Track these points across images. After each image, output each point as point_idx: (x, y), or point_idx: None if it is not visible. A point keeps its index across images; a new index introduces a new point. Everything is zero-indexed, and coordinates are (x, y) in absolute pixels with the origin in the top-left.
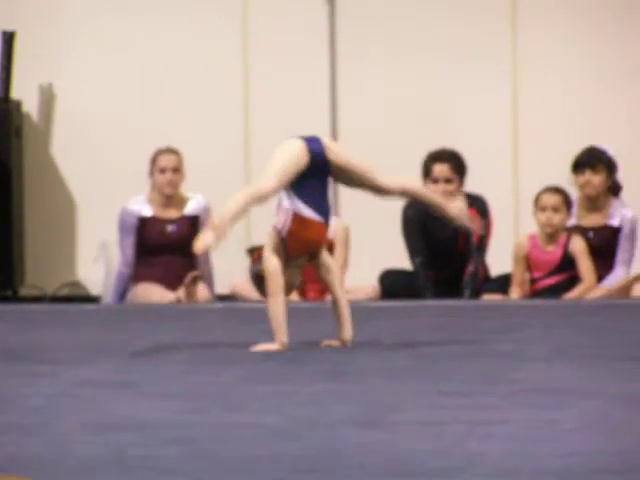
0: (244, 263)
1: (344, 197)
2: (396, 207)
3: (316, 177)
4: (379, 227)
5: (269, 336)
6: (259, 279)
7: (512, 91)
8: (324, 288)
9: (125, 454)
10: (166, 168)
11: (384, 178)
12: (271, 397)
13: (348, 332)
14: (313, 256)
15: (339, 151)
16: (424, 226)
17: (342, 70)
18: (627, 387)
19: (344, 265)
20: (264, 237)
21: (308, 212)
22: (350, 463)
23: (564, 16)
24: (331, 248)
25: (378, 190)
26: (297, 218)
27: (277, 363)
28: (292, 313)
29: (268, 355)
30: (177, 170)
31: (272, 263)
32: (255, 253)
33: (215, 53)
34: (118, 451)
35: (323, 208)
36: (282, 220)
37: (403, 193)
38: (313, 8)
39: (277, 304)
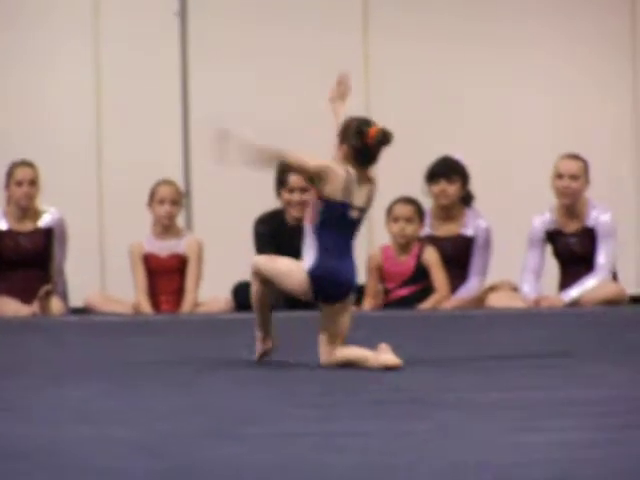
0: (98, 277)
1: (197, 212)
2: (248, 221)
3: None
4: (232, 241)
5: (123, 349)
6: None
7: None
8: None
9: None
10: (23, 181)
11: None
12: (128, 412)
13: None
14: None
15: None
16: (275, 240)
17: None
18: (477, 396)
19: (198, 279)
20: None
21: None
22: (202, 477)
23: None
24: (185, 263)
25: None
26: None
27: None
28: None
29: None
30: (33, 183)
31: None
32: None
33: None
34: None
35: None
36: None
37: None
38: None
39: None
